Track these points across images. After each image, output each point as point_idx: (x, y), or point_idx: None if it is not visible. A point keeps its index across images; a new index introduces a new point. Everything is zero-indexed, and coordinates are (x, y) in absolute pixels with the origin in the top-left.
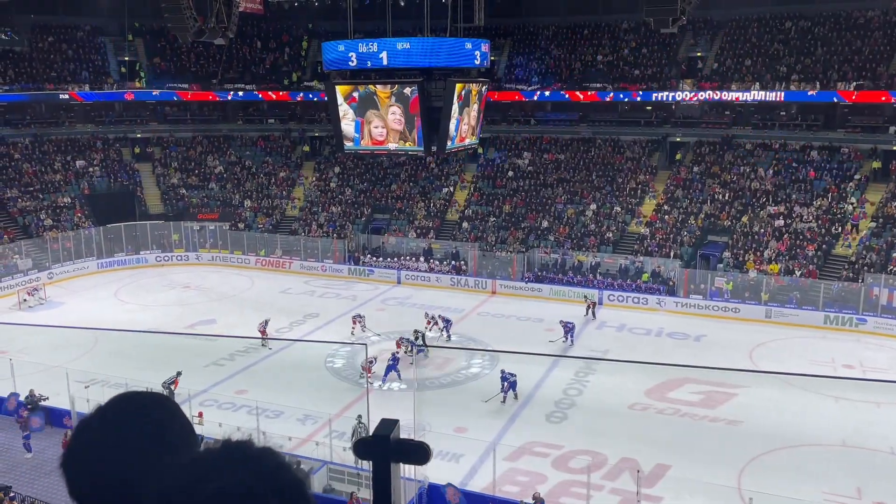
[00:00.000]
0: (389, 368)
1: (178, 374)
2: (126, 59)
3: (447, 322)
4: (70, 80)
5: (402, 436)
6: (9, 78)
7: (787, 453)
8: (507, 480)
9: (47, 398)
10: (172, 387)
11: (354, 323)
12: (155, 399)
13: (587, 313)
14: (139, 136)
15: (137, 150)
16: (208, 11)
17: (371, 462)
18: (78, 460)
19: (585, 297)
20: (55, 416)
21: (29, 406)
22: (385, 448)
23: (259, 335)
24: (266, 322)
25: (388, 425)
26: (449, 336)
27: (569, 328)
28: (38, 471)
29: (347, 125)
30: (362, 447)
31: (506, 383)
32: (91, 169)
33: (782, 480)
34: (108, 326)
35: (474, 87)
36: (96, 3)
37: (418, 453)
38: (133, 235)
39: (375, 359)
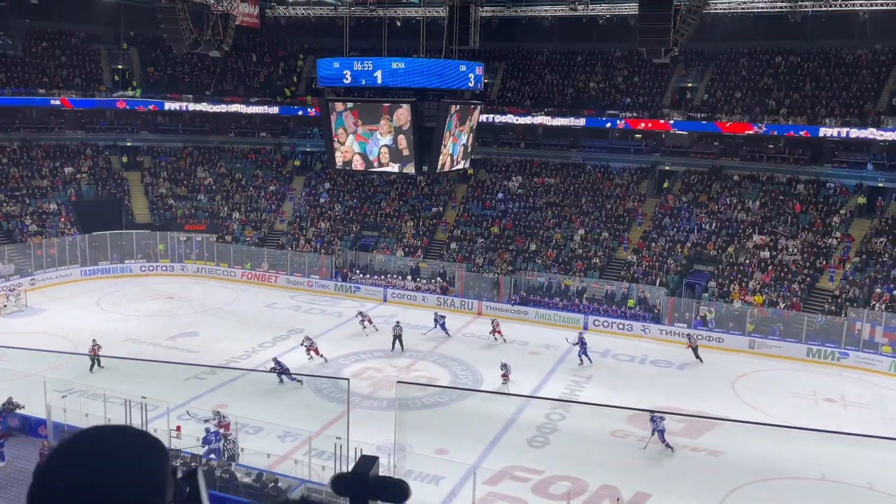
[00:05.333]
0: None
1: (94, 341)
2: (120, 67)
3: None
4: (62, 87)
5: (382, 455)
6: (0, 82)
7: (767, 485)
8: None
9: (23, 406)
10: (91, 353)
11: (364, 324)
12: (122, 436)
13: (696, 356)
14: (129, 144)
15: (126, 159)
16: (205, 23)
17: (348, 499)
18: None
19: (689, 336)
20: (31, 425)
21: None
22: (363, 485)
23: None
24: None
25: (368, 462)
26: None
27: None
28: (10, 479)
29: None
30: (340, 483)
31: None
32: (79, 176)
33: None
34: (88, 335)
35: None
36: (92, 11)
37: (397, 491)
38: (118, 244)
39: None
